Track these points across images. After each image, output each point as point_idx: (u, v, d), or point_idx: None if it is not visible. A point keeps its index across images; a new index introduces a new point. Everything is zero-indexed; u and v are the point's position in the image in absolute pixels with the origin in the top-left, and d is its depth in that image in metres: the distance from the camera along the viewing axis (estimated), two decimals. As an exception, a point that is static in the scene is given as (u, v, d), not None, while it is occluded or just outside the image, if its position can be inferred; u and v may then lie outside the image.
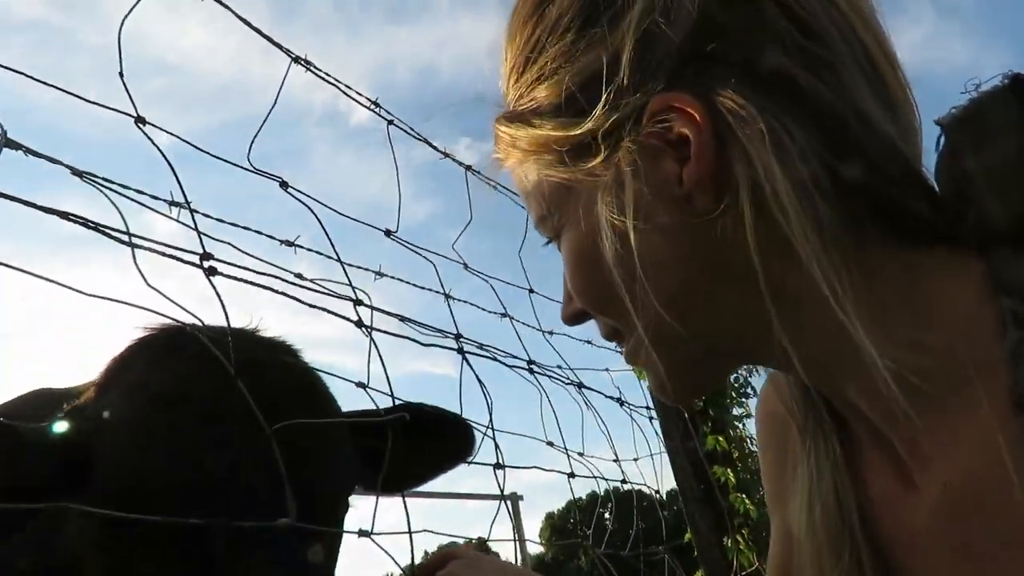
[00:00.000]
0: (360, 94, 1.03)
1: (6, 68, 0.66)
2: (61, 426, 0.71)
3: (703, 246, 0.51)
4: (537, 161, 0.57)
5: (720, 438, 1.79)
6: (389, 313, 0.88)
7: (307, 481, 0.74)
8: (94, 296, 0.61)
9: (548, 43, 0.55)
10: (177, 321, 0.69)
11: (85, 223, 0.58)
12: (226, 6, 0.84)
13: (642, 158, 0.51)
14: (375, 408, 0.86)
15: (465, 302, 1.20)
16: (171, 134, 0.74)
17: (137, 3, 0.75)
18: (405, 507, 0.77)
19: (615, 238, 0.53)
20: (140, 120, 0.70)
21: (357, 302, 0.76)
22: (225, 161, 0.83)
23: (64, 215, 0.56)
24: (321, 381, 0.85)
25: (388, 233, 0.99)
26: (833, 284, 0.46)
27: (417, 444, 0.95)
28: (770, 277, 0.49)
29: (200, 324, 0.71)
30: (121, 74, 0.70)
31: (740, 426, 2.31)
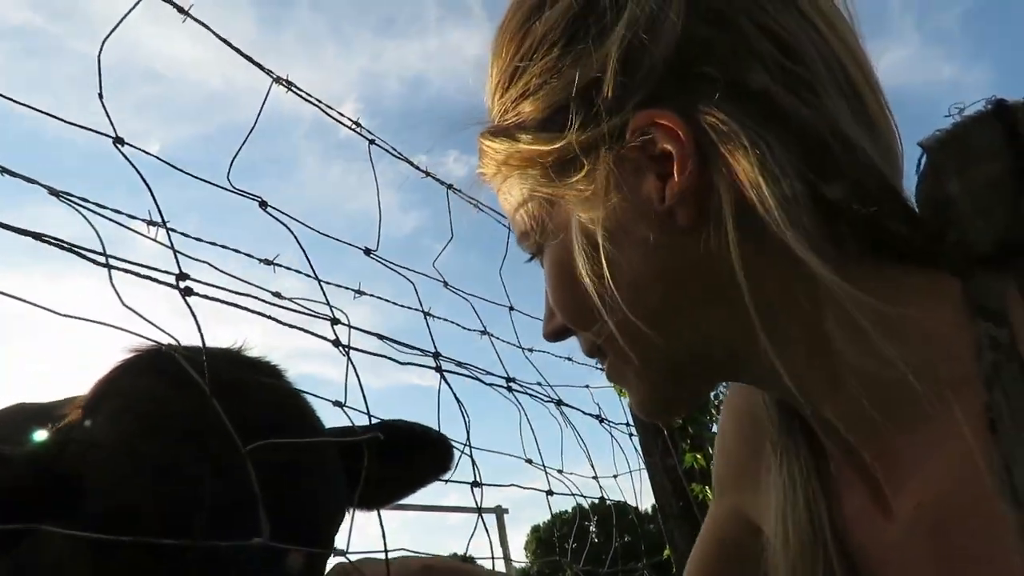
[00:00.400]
0: (342, 114, 1.04)
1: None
2: (48, 447, 0.72)
3: (684, 262, 0.52)
4: (521, 176, 0.58)
5: (699, 455, 1.79)
6: (367, 332, 0.88)
7: (293, 499, 0.74)
8: (70, 316, 0.61)
9: (534, 58, 0.56)
10: (155, 341, 0.69)
11: (60, 245, 0.58)
12: (207, 27, 0.85)
13: (624, 173, 0.52)
14: (352, 426, 0.87)
15: (445, 320, 1.21)
16: (149, 154, 0.74)
17: (118, 25, 0.76)
18: (381, 526, 0.77)
19: (596, 254, 0.53)
20: (118, 140, 0.70)
21: (334, 321, 0.76)
22: (205, 181, 0.83)
23: (37, 236, 0.57)
24: (306, 402, 0.85)
25: (368, 252, 1.00)
26: (842, 284, 0.47)
27: (395, 461, 0.95)
28: (753, 292, 0.50)
29: (185, 344, 0.71)
30: (100, 95, 0.71)
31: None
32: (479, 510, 0.99)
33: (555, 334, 0.64)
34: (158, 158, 0.78)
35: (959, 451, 0.46)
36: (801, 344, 0.51)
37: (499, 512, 6.14)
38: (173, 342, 0.69)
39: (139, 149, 0.74)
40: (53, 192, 0.65)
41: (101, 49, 0.75)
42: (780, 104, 0.49)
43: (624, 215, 0.52)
